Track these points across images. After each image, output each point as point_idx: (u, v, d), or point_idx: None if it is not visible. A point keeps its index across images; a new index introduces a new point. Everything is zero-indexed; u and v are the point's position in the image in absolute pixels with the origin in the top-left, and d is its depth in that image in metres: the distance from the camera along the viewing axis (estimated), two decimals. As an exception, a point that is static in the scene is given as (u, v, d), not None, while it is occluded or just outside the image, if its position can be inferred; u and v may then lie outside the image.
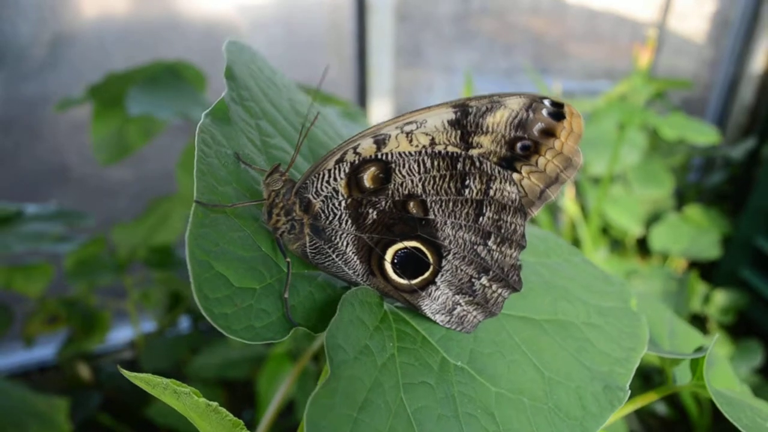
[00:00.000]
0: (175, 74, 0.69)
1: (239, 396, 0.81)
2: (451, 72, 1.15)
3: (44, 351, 0.93)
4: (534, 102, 0.23)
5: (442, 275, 0.24)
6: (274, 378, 0.63)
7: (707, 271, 1.20)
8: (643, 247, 1.23)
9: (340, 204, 0.23)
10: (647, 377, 0.93)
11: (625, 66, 1.30)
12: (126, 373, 0.20)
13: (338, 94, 0.92)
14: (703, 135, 0.96)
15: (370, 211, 0.23)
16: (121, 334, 0.97)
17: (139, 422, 0.74)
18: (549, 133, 0.23)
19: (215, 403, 0.20)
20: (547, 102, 0.23)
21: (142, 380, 0.19)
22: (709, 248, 1.12)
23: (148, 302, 0.87)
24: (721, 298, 1.08)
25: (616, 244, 1.23)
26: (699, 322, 1.09)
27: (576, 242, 1.09)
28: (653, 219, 1.20)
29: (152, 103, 0.59)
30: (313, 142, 0.29)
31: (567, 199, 1.03)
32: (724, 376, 0.31)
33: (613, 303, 0.28)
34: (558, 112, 0.23)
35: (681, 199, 1.33)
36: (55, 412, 0.61)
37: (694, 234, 1.14)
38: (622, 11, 1.28)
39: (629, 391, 0.23)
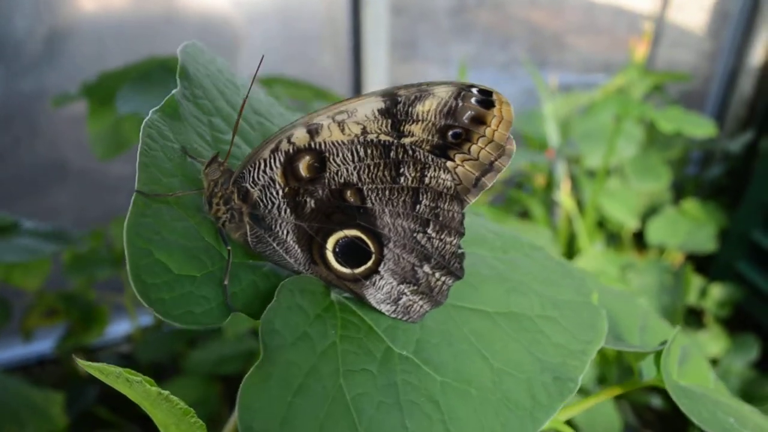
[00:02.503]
0: (169, 70, 0.69)
1: (235, 389, 0.82)
2: (448, 65, 1.15)
3: (43, 345, 0.94)
4: (462, 90, 0.23)
5: (385, 264, 0.24)
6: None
7: (704, 264, 1.20)
8: (639, 240, 1.23)
9: (277, 193, 0.24)
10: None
11: (623, 59, 1.30)
12: (80, 361, 0.20)
13: (333, 88, 0.92)
14: (701, 128, 0.96)
15: (308, 199, 0.24)
16: (119, 328, 0.98)
17: (136, 415, 0.75)
18: (479, 120, 0.23)
19: (166, 392, 0.20)
20: (475, 90, 0.23)
21: (96, 369, 0.20)
22: (706, 242, 1.12)
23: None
24: (717, 291, 1.08)
25: (612, 237, 1.23)
26: (695, 315, 1.10)
27: (572, 236, 1.09)
28: (650, 212, 1.20)
29: (143, 101, 0.59)
30: (268, 136, 0.29)
31: (563, 193, 1.03)
32: (698, 372, 0.31)
33: (571, 296, 0.28)
34: (487, 99, 0.23)
35: (679, 192, 1.33)
36: (50, 405, 0.62)
37: (691, 227, 1.14)
38: (621, 3, 1.28)
39: (580, 383, 0.23)
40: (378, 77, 1.04)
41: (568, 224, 1.07)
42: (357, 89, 1.06)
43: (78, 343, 0.82)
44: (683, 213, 1.16)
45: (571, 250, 1.09)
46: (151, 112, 0.23)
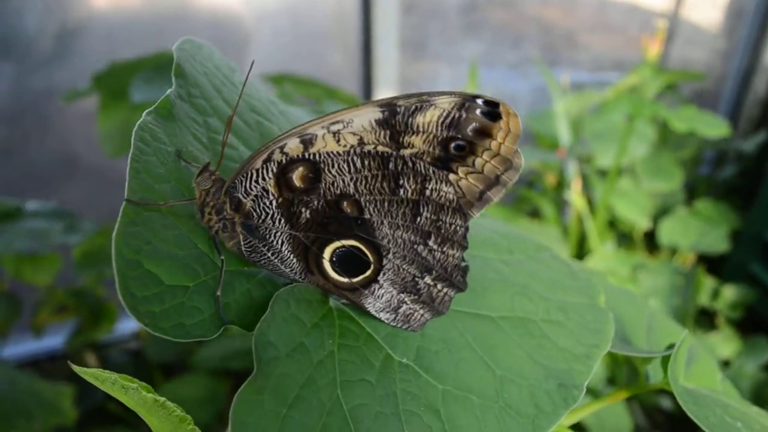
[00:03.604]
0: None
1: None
2: (458, 63, 1.14)
3: (53, 340, 0.95)
4: (466, 101, 0.22)
5: (384, 274, 0.23)
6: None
7: (716, 265, 1.19)
8: (651, 241, 1.22)
9: (271, 203, 0.23)
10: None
11: (636, 57, 1.29)
12: (75, 368, 0.20)
13: (343, 86, 0.92)
14: (714, 128, 0.94)
15: (303, 210, 0.23)
16: (128, 325, 0.98)
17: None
18: (484, 133, 0.22)
19: (163, 399, 0.20)
20: (480, 101, 0.22)
21: (91, 375, 0.20)
22: (719, 243, 1.11)
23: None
24: (729, 293, 1.07)
25: (623, 238, 1.22)
26: (707, 317, 1.09)
27: (582, 236, 1.08)
28: (662, 213, 1.19)
29: (157, 91, 0.59)
30: (267, 138, 0.28)
31: (574, 192, 1.02)
32: (705, 372, 0.31)
33: (577, 299, 0.28)
34: (493, 111, 0.22)
35: (691, 192, 1.32)
36: (61, 399, 0.62)
37: (703, 228, 1.12)
38: (634, 1, 1.26)
39: (584, 390, 0.23)
40: (388, 75, 1.04)
41: (579, 224, 1.07)
42: (367, 87, 1.06)
43: (88, 340, 0.82)
44: (695, 213, 1.15)
45: (581, 250, 1.09)
46: (144, 113, 0.22)
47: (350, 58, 1.04)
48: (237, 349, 0.75)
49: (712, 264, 1.18)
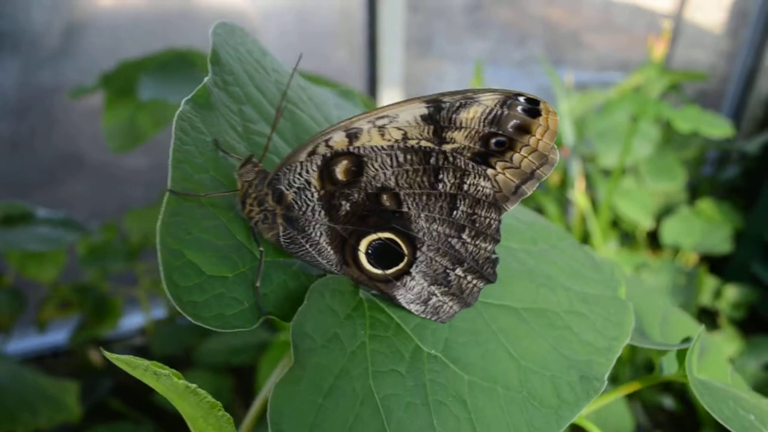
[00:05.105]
0: (187, 62, 0.69)
1: (247, 382, 0.82)
2: (463, 62, 1.15)
3: (57, 336, 0.95)
4: (508, 98, 0.22)
5: (417, 266, 0.24)
6: (274, 365, 0.63)
7: (719, 265, 1.19)
8: (654, 240, 1.22)
9: (312, 195, 0.23)
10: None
11: (640, 57, 1.29)
12: (108, 354, 0.20)
13: (349, 84, 0.92)
14: (718, 128, 0.95)
15: (343, 203, 0.23)
16: (132, 321, 0.98)
17: (149, 407, 0.75)
18: (524, 129, 0.23)
19: (194, 385, 0.20)
20: (522, 99, 0.23)
21: (123, 362, 0.20)
22: (721, 243, 1.11)
23: (159, 289, 0.88)
24: (732, 293, 1.07)
25: (626, 237, 1.22)
26: (709, 316, 1.09)
27: (586, 235, 1.08)
28: (665, 212, 1.19)
29: (164, 89, 0.59)
30: (299, 127, 0.28)
31: (577, 192, 1.03)
32: (716, 365, 0.31)
33: (599, 290, 0.28)
34: (533, 108, 0.23)
35: (694, 192, 1.32)
36: (65, 394, 0.62)
37: (706, 228, 1.13)
38: (639, 1, 1.26)
39: (606, 381, 0.23)
40: (393, 74, 1.04)
41: (582, 223, 1.07)
42: (372, 86, 1.06)
43: (92, 335, 0.82)
44: (698, 213, 1.15)
45: (584, 249, 1.09)
46: (183, 102, 0.22)
47: (356, 57, 1.04)
48: (239, 345, 0.76)
49: (714, 264, 1.18)
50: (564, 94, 1.04)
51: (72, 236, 0.62)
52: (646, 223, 1.05)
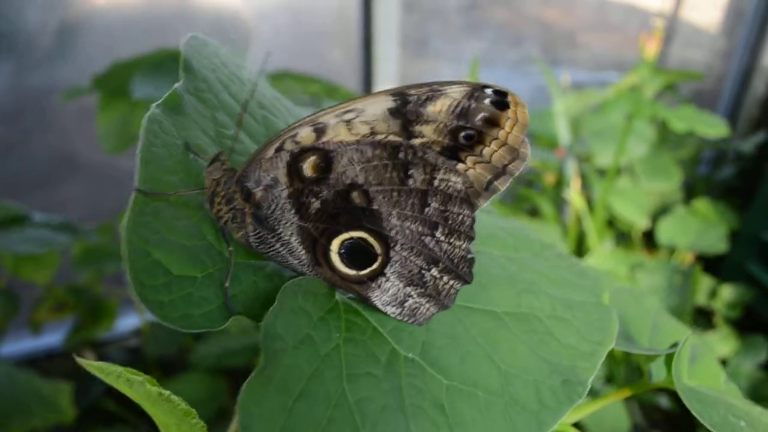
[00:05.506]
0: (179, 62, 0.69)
1: (241, 384, 0.82)
2: (459, 62, 1.14)
3: (52, 338, 0.94)
4: (475, 91, 0.22)
5: (391, 266, 0.23)
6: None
7: (715, 265, 1.19)
8: (649, 240, 1.22)
9: (281, 193, 0.23)
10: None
11: (635, 57, 1.29)
12: (80, 360, 0.20)
13: (344, 84, 0.92)
14: (713, 128, 0.95)
15: (313, 200, 0.23)
16: (127, 322, 0.98)
17: (144, 410, 0.75)
18: (493, 122, 0.22)
19: (167, 392, 0.20)
20: (489, 91, 0.22)
21: (96, 368, 0.20)
22: (717, 242, 1.11)
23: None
24: (727, 292, 1.07)
25: (622, 236, 1.22)
26: (705, 316, 1.09)
27: (581, 234, 1.08)
28: (660, 212, 1.19)
29: (156, 89, 0.59)
30: (272, 132, 0.28)
31: (573, 191, 1.03)
32: (708, 371, 0.31)
33: (583, 297, 0.28)
34: (501, 101, 0.22)
35: (690, 192, 1.32)
36: (59, 396, 0.62)
37: (701, 228, 1.13)
38: (634, 1, 1.27)
39: (589, 386, 0.23)
40: (388, 74, 1.04)
41: (578, 223, 1.07)
42: (367, 86, 1.06)
43: (87, 337, 0.82)
44: (694, 213, 1.15)
45: (580, 249, 1.09)
46: (153, 106, 0.22)
47: (351, 57, 1.04)
48: (235, 348, 0.75)
49: (710, 263, 1.18)
50: (560, 94, 1.04)
51: (64, 238, 0.62)
52: (641, 223, 1.05)
